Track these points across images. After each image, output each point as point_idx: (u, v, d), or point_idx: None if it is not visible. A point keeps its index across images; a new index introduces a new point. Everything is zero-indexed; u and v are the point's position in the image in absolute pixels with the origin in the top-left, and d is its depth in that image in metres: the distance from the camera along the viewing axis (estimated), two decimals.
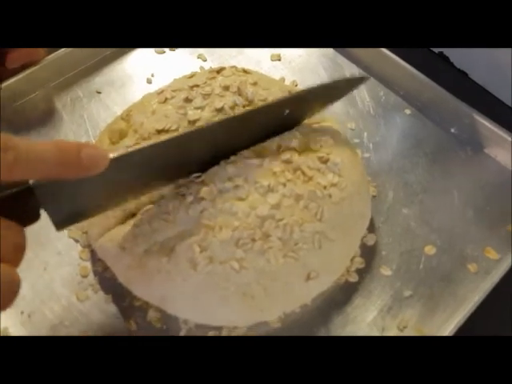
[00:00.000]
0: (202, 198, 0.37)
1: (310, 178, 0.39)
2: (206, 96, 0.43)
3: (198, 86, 0.43)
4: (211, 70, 0.46)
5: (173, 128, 0.41)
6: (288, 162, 0.39)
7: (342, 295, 0.41)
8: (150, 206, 0.39)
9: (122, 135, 0.43)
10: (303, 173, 0.39)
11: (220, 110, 0.42)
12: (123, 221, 0.40)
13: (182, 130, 0.41)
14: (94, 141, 0.46)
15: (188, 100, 0.43)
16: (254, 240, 0.36)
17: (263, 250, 0.36)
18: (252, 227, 0.36)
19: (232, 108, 0.42)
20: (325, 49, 0.57)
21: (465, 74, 0.57)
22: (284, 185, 0.38)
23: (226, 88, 0.43)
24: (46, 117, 0.51)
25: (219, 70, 0.46)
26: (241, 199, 0.37)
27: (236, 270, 0.36)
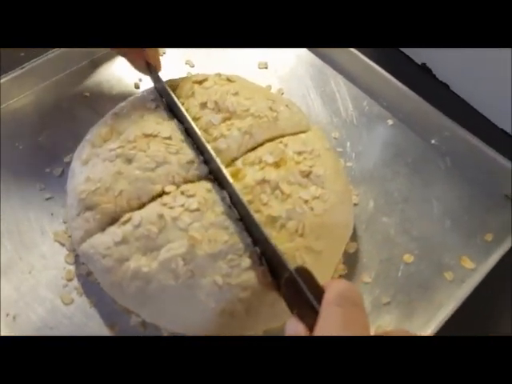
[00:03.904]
0: (196, 210, 0.37)
1: (289, 196, 0.39)
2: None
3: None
4: (194, 81, 0.46)
5: (164, 135, 0.41)
6: (264, 181, 0.39)
7: None
8: (131, 213, 0.39)
9: (106, 138, 0.43)
10: (281, 191, 0.39)
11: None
12: (104, 226, 0.39)
13: (174, 138, 0.42)
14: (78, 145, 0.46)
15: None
16: (241, 256, 0.36)
17: (251, 267, 0.36)
18: (243, 243, 0.37)
19: (206, 131, 0.42)
20: (311, 58, 0.58)
21: (446, 86, 0.58)
22: (258, 211, 0.38)
23: (204, 105, 0.43)
24: (33, 120, 0.51)
25: (201, 81, 0.46)
26: (235, 217, 0.38)
27: (219, 285, 0.36)
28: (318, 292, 0.28)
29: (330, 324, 0.25)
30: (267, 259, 0.36)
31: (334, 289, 0.27)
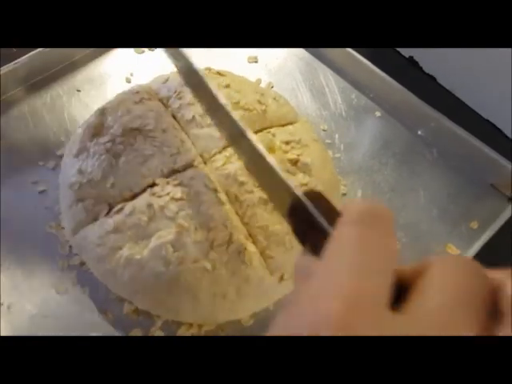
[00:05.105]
0: (181, 199, 0.38)
1: None
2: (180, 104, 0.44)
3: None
4: None
5: (148, 127, 0.42)
6: None
7: None
8: (123, 204, 0.40)
9: (95, 133, 0.44)
10: None
11: (191, 121, 0.43)
12: (96, 217, 0.40)
13: (156, 130, 0.42)
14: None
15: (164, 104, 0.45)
16: (228, 242, 0.37)
17: (238, 251, 0.37)
18: (228, 229, 0.38)
19: (202, 116, 0.43)
20: (301, 52, 0.59)
21: (433, 79, 0.59)
22: (250, 192, 0.39)
23: None
24: (26, 115, 0.52)
25: None
26: (219, 203, 0.39)
27: (208, 270, 0.37)
28: (334, 217, 0.21)
29: (341, 247, 0.19)
30: (268, 192, 0.30)
31: (352, 208, 0.20)
